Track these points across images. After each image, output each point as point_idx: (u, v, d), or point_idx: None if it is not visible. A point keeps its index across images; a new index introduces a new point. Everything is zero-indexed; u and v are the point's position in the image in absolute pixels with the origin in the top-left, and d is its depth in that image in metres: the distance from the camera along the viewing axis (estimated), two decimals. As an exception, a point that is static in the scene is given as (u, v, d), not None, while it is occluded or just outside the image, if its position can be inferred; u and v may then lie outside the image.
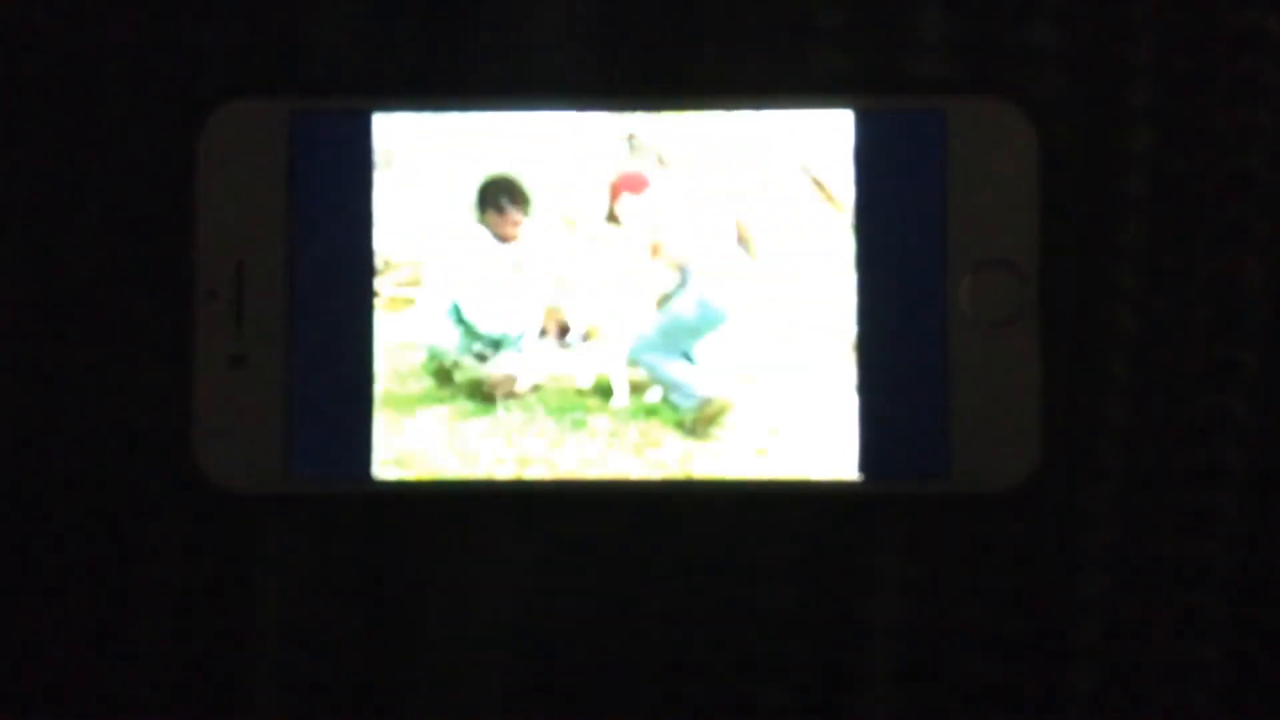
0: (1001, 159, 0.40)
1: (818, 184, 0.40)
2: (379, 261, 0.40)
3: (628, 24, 0.41)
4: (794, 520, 0.41)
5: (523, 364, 0.41)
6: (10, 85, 0.42)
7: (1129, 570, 0.41)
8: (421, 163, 0.40)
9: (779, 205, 0.40)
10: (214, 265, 0.40)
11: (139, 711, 0.41)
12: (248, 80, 0.41)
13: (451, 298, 0.41)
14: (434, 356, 0.41)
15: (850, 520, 0.41)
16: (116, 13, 0.41)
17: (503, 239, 0.41)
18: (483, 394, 0.41)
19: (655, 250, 0.41)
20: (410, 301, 0.41)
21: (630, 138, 0.41)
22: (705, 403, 0.41)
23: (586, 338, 0.41)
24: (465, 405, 0.41)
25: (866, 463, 0.40)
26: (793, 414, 0.40)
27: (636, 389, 0.41)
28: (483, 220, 0.41)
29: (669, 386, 0.41)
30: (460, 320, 0.41)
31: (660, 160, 0.40)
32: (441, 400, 0.41)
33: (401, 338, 0.41)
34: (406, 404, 0.41)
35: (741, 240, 0.40)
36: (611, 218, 0.41)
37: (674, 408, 0.41)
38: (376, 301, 0.40)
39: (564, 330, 0.41)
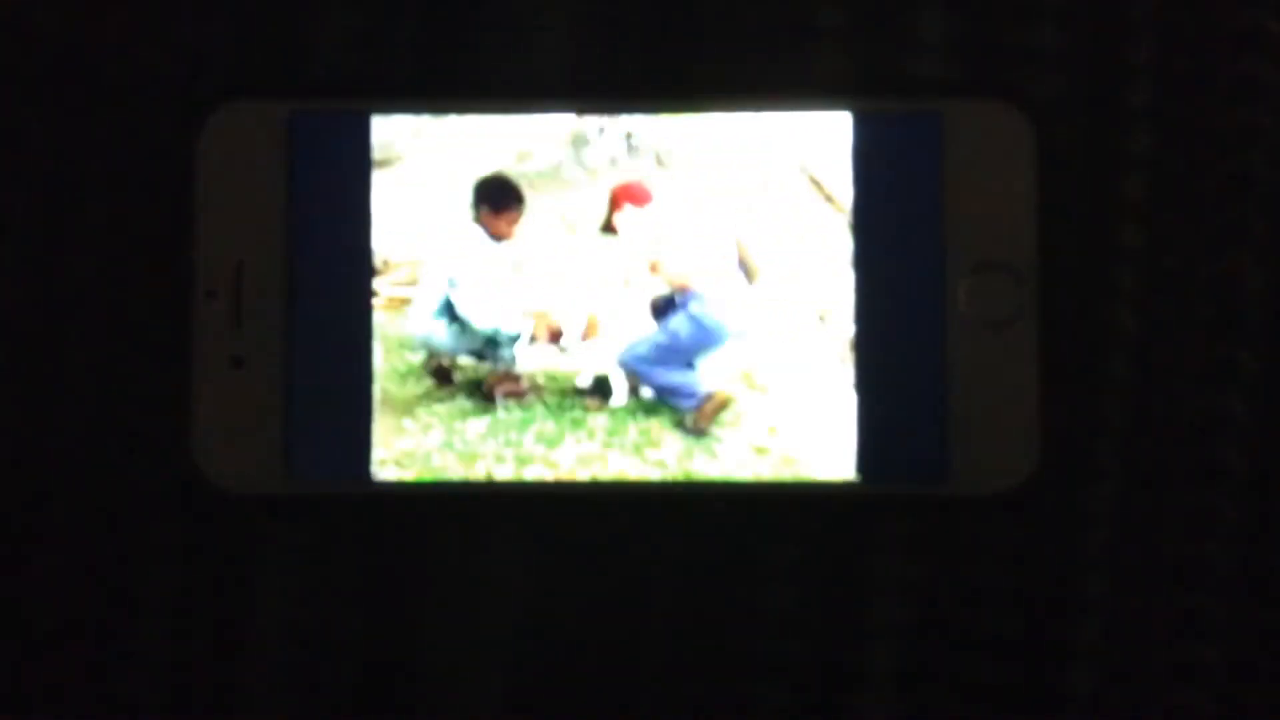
0: (1000, 160, 0.40)
1: (816, 184, 0.40)
2: (378, 261, 0.40)
3: (627, 25, 0.41)
4: (793, 521, 0.41)
5: (521, 364, 0.41)
6: (10, 85, 0.42)
7: (1128, 571, 0.41)
8: (420, 163, 0.41)
9: (778, 206, 0.40)
10: (213, 266, 0.40)
11: (139, 712, 0.41)
12: (247, 81, 0.41)
13: (448, 296, 0.41)
14: (433, 356, 0.41)
15: (849, 521, 0.41)
16: (115, 13, 0.42)
17: (498, 237, 0.41)
18: (482, 394, 0.41)
19: (654, 268, 0.41)
20: (409, 301, 0.41)
21: (628, 137, 0.41)
22: (706, 399, 0.41)
23: (585, 337, 0.41)
24: (464, 405, 0.41)
25: (865, 464, 0.40)
26: (791, 416, 0.40)
27: (635, 388, 0.41)
28: (477, 219, 0.41)
29: (667, 392, 0.41)
30: (456, 319, 0.41)
31: (659, 160, 0.40)
32: (440, 400, 0.41)
33: (400, 338, 0.41)
34: (405, 404, 0.41)
35: (743, 264, 0.40)
36: (609, 227, 0.41)
37: (674, 408, 0.41)
38: (375, 302, 0.40)
39: (556, 336, 0.41)
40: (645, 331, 0.41)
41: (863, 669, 0.41)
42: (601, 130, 0.41)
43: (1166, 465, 0.41)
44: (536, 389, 0.41)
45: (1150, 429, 0.41)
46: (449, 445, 0.40)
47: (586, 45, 0.41)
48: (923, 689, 0.41)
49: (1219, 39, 0.41)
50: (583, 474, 0.40)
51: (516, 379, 0.41)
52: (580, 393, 0.41)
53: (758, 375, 0.40)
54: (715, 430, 0.40)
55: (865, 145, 0.40)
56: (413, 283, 0.41)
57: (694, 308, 0.41)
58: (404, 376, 0.41)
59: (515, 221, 0.41)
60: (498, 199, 0.41)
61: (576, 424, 0.41)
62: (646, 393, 0.41)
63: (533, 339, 0.41)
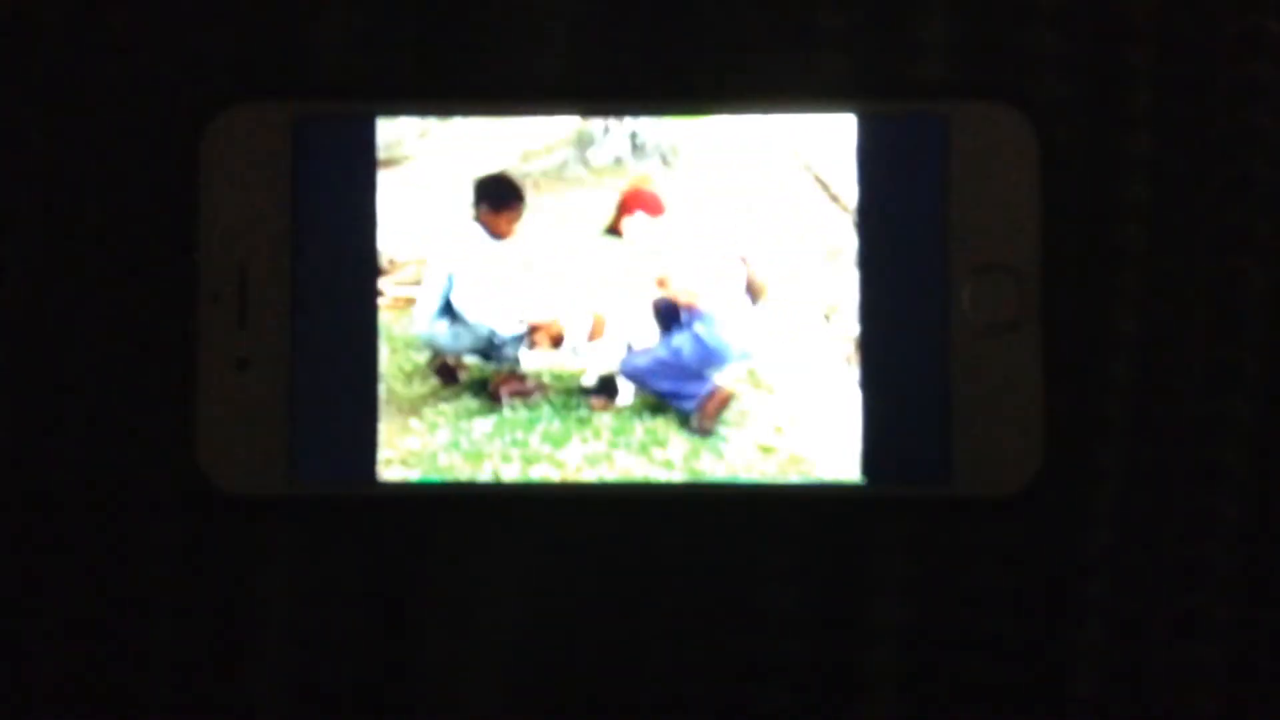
0: (1003, 163, 0.40)
1: (822, 184, 0.40)
2: (383, 261, 0.40)
3: (630, 28, 0.42)
4: (796, 523, 0.41)
5: (526, 363, 0.41)
6: (15, 89, 0.42)
7: (1130, 572, 0.41)
8: (425, 162, 0.41)
9: (783, 206, 0.40)
10: (218, 268, 0.40)
11: (143, 713, 0.41)
12: (251, 84, 0.41)
13: (451, 295, 0.41)
14: (437, 355, 0.41)
15: (852, 523, 0.41)
16: (119, 16, 0.42)
17: (498, 236, 0.41)
18: (488, 393, 0.41)
19: (662, 283, 0.41)
20: (413, 301, 0.41)
21: (633, 136, 0.41)
22: (707, 397, 0.41)
23: (591, 337, 0.41)
24: (470, 404, 0.41)
25: (869, 466, 0.40)
26: (798, 415, 0.40)
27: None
28: (477, 217, 0.41)
29: (668, 396, 0.41)
30: (456, 318, 0.41)
31: (664, 160, 0.41)
32: (446, 399, 0.41)
33: (405, 338, 0.41)
34: (411, 404, 0.41)
35: (750, 283, 0.40)
36: (614, 229, 0.41)
37: (676, 409, 0.41)
38: (380, 301, 0.40)
39: (558, 342, 0.41)
40: (648, 342, 0.41)
41: (865, 669, 0.41)
42: (607, 130, 0.41)
43: (1168, 467, 0.41)
44: (542, 388, 0.41)
45: (1152, 431, 0.41)
46: (455, 445, 0.40)
47: (590, 47, 0.42)
48: (925, 689, 0.41)
49: (1220, 41, 0.41)
50: (589, 473, 0.40)
51: (522, 378, 0.41)
52: (586, 392, 0.41)
53: (764, 375, 0.41)
54: (721, 429, 0.40)
55: (869, 147, 0.40)
56: (417, 282, 0.41)
57: (698, 328, 0.41)
58: (409, 376, 0.41)
59: (515, 220, 0.41)
60: (497, 197, 0.41)
61: (582, 423, 0.41)
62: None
63: (532, 345, 0.41)
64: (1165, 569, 0.41)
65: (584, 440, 0.41)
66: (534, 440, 0.40)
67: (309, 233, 0.40)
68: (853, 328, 0.40)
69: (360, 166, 0.40)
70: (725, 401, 0.41)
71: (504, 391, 0.41)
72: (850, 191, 0.40)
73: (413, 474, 0.40)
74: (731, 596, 0.41)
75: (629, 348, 0.41)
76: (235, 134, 0.40)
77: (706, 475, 0.40)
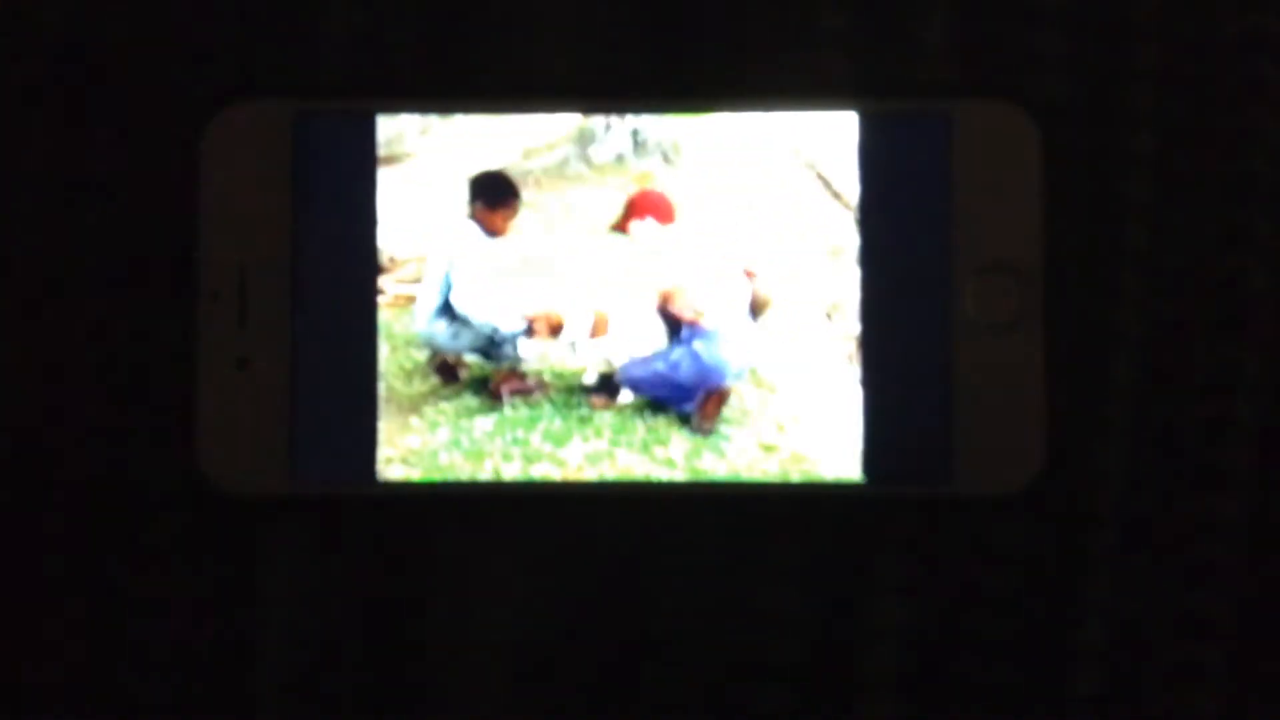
0: (1006, 162, 0.40)
1: (824, 182, 0.40)
2: (384, 259, 0.40)
3: (632, 25, 0.42)
4: (798, 522, 0.41)
5: (527, 361, 0.41)
6: (14, 85, 0.42)
7: (1132, 573, 0.41)
8: (426, 160, 0.41)
9: (786, 203, 0.40)
10: (218, 266, 0.40)
11: (142, 713, 0.41)
12: (252, 82, 0.41)
13: (450, 293, 0.41)
14: (437, 354, 0.41)
15: (854, 522, 0.41)
16: (119, 12, 0.42)
17: (493, 233, 0.41)
18: (488, 391, 0.41)
19: (667, 298, 0.41)
20: (413, 299, 0.41)
21: (635, 134, 0.41)
22: (704, 397, 0.41)
23: (593, 335, 0.41)
24: (471, 403, 0.41)
25: (870, 465, 0.40)
26: (800, 413, 0.40)
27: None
28: (472, 215, 0.41)
29: (666, 401, 0.41)
30: (455, 316, 0.41)
31: (666, 158, 0.40)
32: (447, 398, 0.41)
33: (405, 336, 0.41)
34: (412, 402, 0.41)
35: (755, 299, 0.40)
36: (620, 227, 0.41)
37: (675, 411, 0.41)
38: (381, 300, 0.40)
39: (556, 330, 0.41)
40: (651, 344, 0.41)
41: (865, 669, 0.41)
42: (608, 127, 0.41)
43: (1170, 466, 0.41)
44: (543, 386, 0.41)
45: (1154, 430, 0.41)
46: (456, 443, 0.40)
47: (592, 45, 0.42)
48: (925, 689, 0.41)
49: (1222, 41, 0.41)
50: (590, 472, 0.40)
51: (523, 377, 0.41)
52: (587, 390, 0.41)
53: (766, 374, 0.40)
54: (723, 428, 0.40)
55: (871, 146, 0.40)
56: (417, 280, 0.41)
57: (698, 345, 0.41)
58: (410, 374, 0.41)
59: (511, 217, 0.41)
60: (492, 195, 0.41)
61: (584, 422, 0.41)
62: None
63: (531, 332, 0.41)
64: (1166, 569, 0.41)
65: (585, 439, 0.40)
66: (535, 439, 0.40)
67: (309, 230, 0.40)
68: (854, 326, 0.40)
69: (361, 164, 0.40)
70: (723, 399, 0.41)
71: (505, 390, 0.41)
72: (852, 190, 0.40)
73: (413, 473, 0.40)
74: (732, 595, 0.41)
75: (629, 356, 0.41)
76: (236, 131, 0.40)
77: (708, 474, 0.40)
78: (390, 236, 0.40)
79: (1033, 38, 0.41)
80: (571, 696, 0.41)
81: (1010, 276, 0.40)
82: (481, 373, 0.41)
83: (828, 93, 0.41)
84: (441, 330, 0.41)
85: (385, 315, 0.40)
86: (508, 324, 0.41)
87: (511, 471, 0.40)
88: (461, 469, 0.40)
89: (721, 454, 0.40)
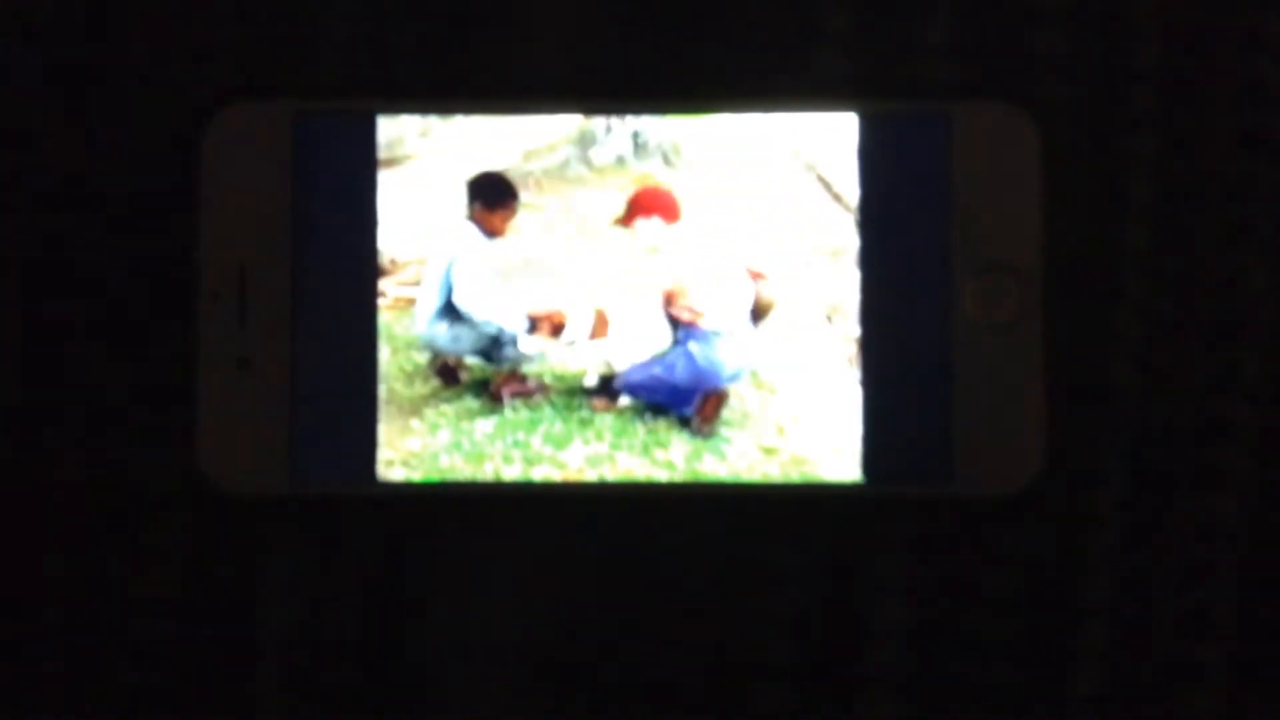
0: (1006, 163, 0.40)
1: (825, 184, 0.40)
2: (385, 261, 0.40)
3: (632, 26, 0.41)
4: (797, 523, 0.41)
5: (528, 363, 0.41)
6: (14, 85, 0.41)
7: (1132, 573, 0.41)
8: (427, 162, 0.40)
9: (783, 206, 0.40)
10: (218, 266, 0.40)
11: (143, 713, 0.41)
12: (251, 81, 0.41)
13: (447, 296, 0.41)
14: (438, 356, 0.41)
15: (854, 523, 0.41)
16: (119, 12, 0.41)
17: (492, 234, 0.41)
18: (489, 394, 0.41)
19: (670, 298, 0.41)
20: (414, 301, 0.41)
21: (635, 136, 0.41)
22: (702, 400, 0.41)
23: (594, 335, 0.41)
24: (471, 405, 0.41)
25: (870, 466, 0.40)
26: (800, 416, 0.40)
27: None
28: (471, 216, 0.41)
29: (664, 406, 0.41)
30: (456, 319, 0.41)
31: (666, 160, 0.40)
32: (448, 400, 0.41)
33: (406, 338, 0.41)
34: (413, 404, 0.41)
35: (758, 302, 0.40)
36: (624, 222, 0.41)
37: (675, 414, 0.41)
38: (381, 302, 0.40)
39: (558, 329, 0.41)
40: (653, 344, 0.41)
41: (866, 669, 0.41)
42: (609, 129, 0.41)
43: (1170, 467, 0.41)
44: (544, 389, 0.41)
45: (1155, 431, 0.41)
46: (456, 445, 0.40)
47: (592, 46, 0.41)
48: (925, 689, 0.41)
49: (1223, 41, 0.41)
50: (591, 475, 0.40)
51: (523, 379, 0.41)
52: (588, 392, 0.41)
53: (766, 376, 0.40)
54: (723, 430, 0.40)
55: (871, 147, 0.40)
56: (418, 282, 0.41)
57: (693, 347, 0.41)
58: (411, 377, 0.41)
59: (510, 218, 0.41)
60: (490, 196, 0.41)
61: (584, 424, 0.41)
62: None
63: (533, 329, 0.41)
64: (1166, 569, 0.41)
65: (586, 442, 0.40)
66: (536, 441, 0.40)
67: (309, 231, 0.40)
68: (854, 327, 0.40)
69: (361, 164, 0.40)
70: (721, 401, 0.41)
71: (505, 392, 0.41)
72: (852, 191, 0.40)
73: (414, 475, 0.40)
74: (732, 596, 0.41)
75: (629, 358, 0.41)
76: (236, 131, 0.40)
77: (707, 477, 0.40)
78: (391, 239, 0.40)
79: (1033, 38, 0.41)
80: (571, 696, 0.41)
81: (1010, 277, 0.40)
82: (482, 375, 0.41)
83: (828, 93, 0.41)
84: (442, 332, 0.41)
85: (386, 317, 0.40)
86: (510, 323, 0.41)
87: (512, 474, 0.40)
88: (462, 471, 0.40)
89: (722, 456, 0.40)
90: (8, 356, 0.41)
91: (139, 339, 0.41)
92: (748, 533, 0.41)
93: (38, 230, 0.41)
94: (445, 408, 0.41)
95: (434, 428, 0.40)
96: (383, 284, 0.40)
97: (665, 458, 0.40)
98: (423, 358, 0.41)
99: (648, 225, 0.41)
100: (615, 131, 0.41)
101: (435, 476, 0.40)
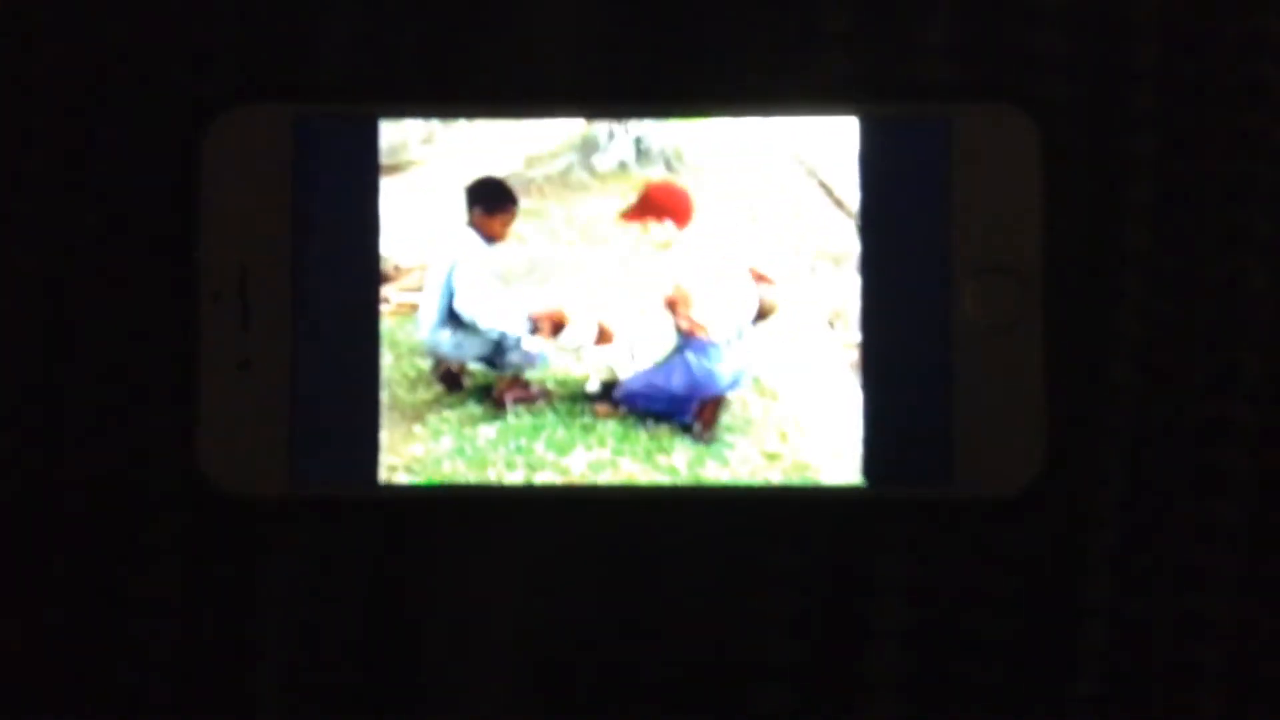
0: (1006, 164, 0.40)
1: (826, 188, 0.40)
2: (388, 267, 0.40)
3: (633, 30, 0.41)
4: (798, 525, 0.41)
5: (531, 369, 0.41)
6: (15, 89, 0.41)
7: (1132, 575, 0.41)
8: (429, 167, 0.40)
9: (784, 211, 0.40)
10: (219, 269, 0.40)
11: (143, 713, 0.41)
12: (252, 84, 0.41)
13: (448, 302, 0.41)
14: (440, 362, 0.41)
15: (854, 525, 0.41)
16: (121, 16, 0.41)
17: (491, 239, 0.41)
18: (492, 400, 0.41)
19: (673, 304, 0.41)
20: (417, 307, 0.41)
21: (638, 141, 0.41)
22: (700, 406, 0.41)
23: (598, 342, 0.41)
24: (474, 411, 0.41)
25: (870, 468, 0.40)
26: (803, 421, 0.40)
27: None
28: (470, 221, 0.41)
29: (663, 414, 0.41)
30: (459, 325, 0.41)
31: (668, 165, 0.40)
32: (450, 406, 0.41)
33: (409, 344, 0.41)
34: (415, 410, 0.41)
35: (762, 307, 0.40)
36: (632, 218, 0.41)
37: (676, 422, 0.41)
38: (384, 307, 0.40)
39: (558, 328, 0.41)
40: (656, 350, 0.41)
41: (866, 670, 0.41)
42: (611, 135, 0.41)
43: (1170, 468, 0.41)
44: (546, 394, 0.41)
45: (1155, 433, 0.41)
46: (459, 451, 0.40)
47: (593, 50, 0.41)
48: (926, 690, 0.41)
49: (1223, 42, 0.41)
50: (591, 479, 0.40)
51: (526, 385, 0.41)
52: (590, 398, 0.41)
53: (768, 382, 0.40)
54: (726, 436, 0.40)
55: (872, 149, 0.40)
56: (419, 287, 0.41)
57: (691, 357, 0.41)
58: (413, 382, 0.41)
59: (509, 223, 0.41)
60: (489, 201, 0.41)
61: (587, 430, 0.41)
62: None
63: (534, 330, 0.41)
64: (1166, 570, 0.41)
65: (588, 447, 0.40)
66: (538, 447, 0.40)
67: (311, 234, 0.40)
68: (855, 332, 0.40)
69: (363, 168, 0.40)
70: (719, 406, 0.41)
71: (508, 398, 0.41)
72: (853, 196, 0.40)
73: (416, 481, 0.40)
74: (732, 597, 0.41)
75: (632, 363, 0.41)
76: (237, 135, 0.40)
77: (707, 481, 0.40)
78: (394, 245, 0.40)
79: (1033, 38, 0.41)
80: (572, 697, 0.41)
81: (1010, 278, 0.40)
82: (485, 381, 0.41)
83: (828, 96, 0.41)
84: (445, 339, 0.41)
85: (389, 323, 0.40)
86: (512, 328, 0.41)
87: (515, 480, 0.40)
88: (465, 477, 0.40)
89: (725, 462, 0.40)
90: (8, 357, 0.41)
91: (141, 340, 0.41)
92: (748, 534, 0.41)
93: (38, 230, 0.41)
94: (448, 413, 0.41)
95: (437, 433, 0.40)
96: (386, 290, 0.40)
97: (668, 463, 0.40)
98: (425, 364, 0.41)
99: (661, 230, 0.41)
100: (618, 137, 0.41)
101: (438, 482, 0.40)
